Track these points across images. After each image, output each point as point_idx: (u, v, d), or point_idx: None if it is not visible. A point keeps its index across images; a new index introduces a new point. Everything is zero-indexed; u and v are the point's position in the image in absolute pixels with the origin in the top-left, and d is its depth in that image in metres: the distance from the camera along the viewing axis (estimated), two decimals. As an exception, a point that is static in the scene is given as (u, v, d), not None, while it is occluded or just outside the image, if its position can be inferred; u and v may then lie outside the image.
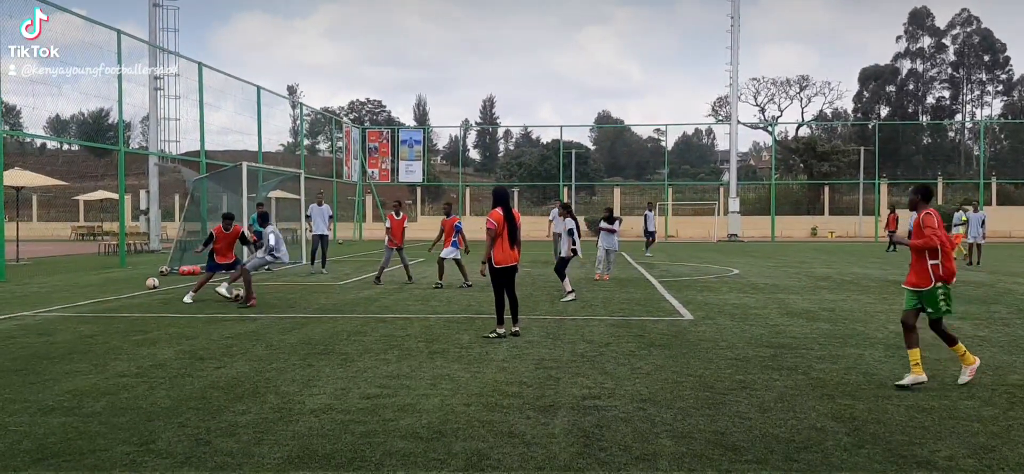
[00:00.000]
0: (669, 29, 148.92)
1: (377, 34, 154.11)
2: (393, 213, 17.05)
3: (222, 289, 13.26)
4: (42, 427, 5.64)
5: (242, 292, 13.06)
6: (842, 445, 5.16)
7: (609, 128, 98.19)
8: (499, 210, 9.48)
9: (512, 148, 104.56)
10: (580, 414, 5.92)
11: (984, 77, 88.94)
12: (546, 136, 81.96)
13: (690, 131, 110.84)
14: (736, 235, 45.16)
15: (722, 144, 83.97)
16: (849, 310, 12.16)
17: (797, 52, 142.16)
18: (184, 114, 32.08)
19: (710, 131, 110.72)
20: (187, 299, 13.23)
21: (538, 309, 12.22)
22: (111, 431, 5.51)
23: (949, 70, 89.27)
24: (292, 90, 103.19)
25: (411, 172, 50.73)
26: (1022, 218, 51.53)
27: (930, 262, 6.74)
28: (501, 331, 9.43)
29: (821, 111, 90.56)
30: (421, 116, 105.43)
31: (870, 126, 66.18)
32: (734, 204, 46.50)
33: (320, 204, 20.40)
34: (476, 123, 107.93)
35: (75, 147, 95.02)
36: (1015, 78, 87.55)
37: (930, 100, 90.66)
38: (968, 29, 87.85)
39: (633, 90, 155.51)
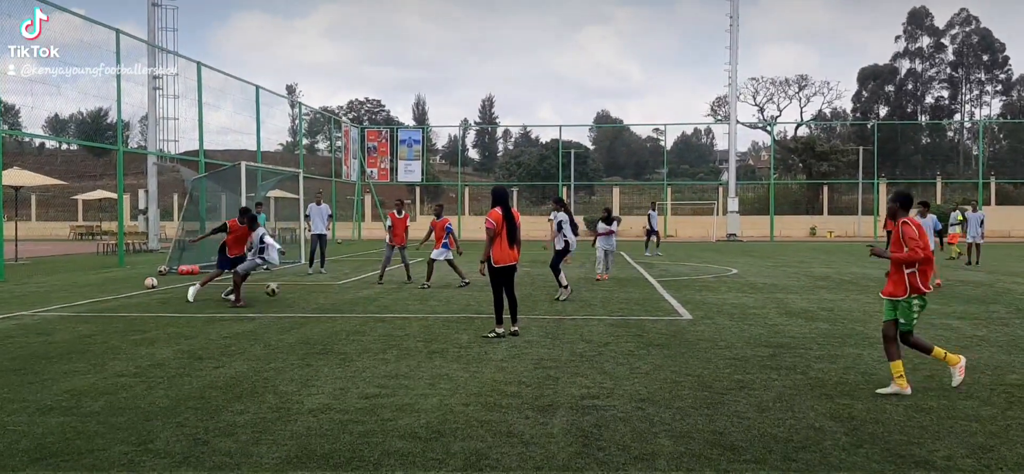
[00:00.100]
0: (669, 29, 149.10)
1: (376, 34, 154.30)
2: (395, 212, 17.06)
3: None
4: (40, 427, 5.63)
5: (276, 287, 13.82)
6: (840, 445, 5.16)
7: (608, 128, 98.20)
8: (498, 210, 9.48)
9: (511, 148, 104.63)
10: (579, 414, 5.92)
11: (983, 77, 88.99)
12: (545, 136, 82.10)
13: (689, 131, 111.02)
14: (735, 235, 45.17)
15: (721, 144, 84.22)
16: (848, 310, 12.16)
17: (796, 52, 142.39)
18: (183, 114, 32.11)
19: (709, 131, 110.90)
20: (190, 295, 13.22)
21: (537, 309, 12.22)
22: (109, 431, 5.51)
23: (948, 70, 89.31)
24: (291, 90, 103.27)
25: (410, 172, 50.71)
26: (1021, 218, 51.56)
27: (907, 271, 6.52)
28: (500, 331, 9.43)
29: (820, 111, 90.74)
30: (420, 116, 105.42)
31: (869, 126, 66.19)
32: (733, 204, 46.52)
33: (318, 204, 20.38)
34: (475, 123, 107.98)
35: (74, 147, 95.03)
36: (1014, 78, 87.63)
37: (929, 100, 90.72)
38: (967, 29, 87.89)
39: (633, 90, 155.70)
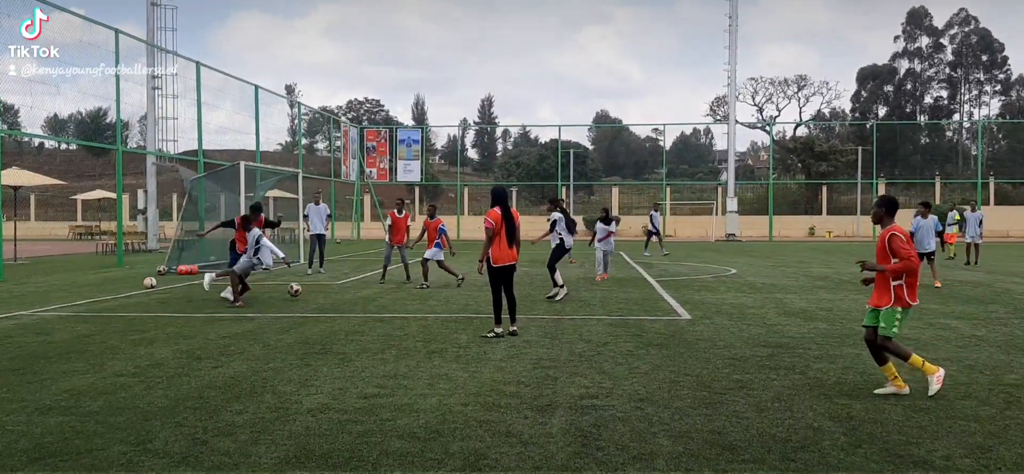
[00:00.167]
0: (669, 29, 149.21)
1: (376, 34, 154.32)
2: (395, 211, 17.06)
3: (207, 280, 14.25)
4: (39, 426, 5.63)
5: (299, 287, 14.17)
6: (839, 445, 5.16)
7: (607, 128, 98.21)
8: (498, 209, 9.50)
9: (510, 148, 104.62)
10: (578, 414, 5.93)
11: (982, 77, 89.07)
12: (544, 136, 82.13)
13: (688, 131, 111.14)
14: (734, 235, 45.19)
15: (720, 144, 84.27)
16: (846, 310, 12.17)
17: (796, 52, 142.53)
18: (182, 113, 32.08)
19: (708, 131, 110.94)
20: (206, 283, 14.07)
21: (536, 309, 12.22)
22: (108, 431, 5.51)
23: (947, 70, 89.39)
24: (290, 89, 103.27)
25: (409, 171, 50.70)
26: (1020, 218, 51.60)
27: (894, 283, 6.41)
28: (499, 330, 9.43)
29: (819, 111, 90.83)
30: (419, 115, 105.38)
31: (868, 126, 66.23)
32: (732, 204, 46.54)
33: (317, 203, 20.37)
34: (474, 123, 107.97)
35: (73, 146, 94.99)
36: (1013, 78, 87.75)
37: (928, 100, 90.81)
38: (966, 29, 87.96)
39: (632, 90, 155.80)
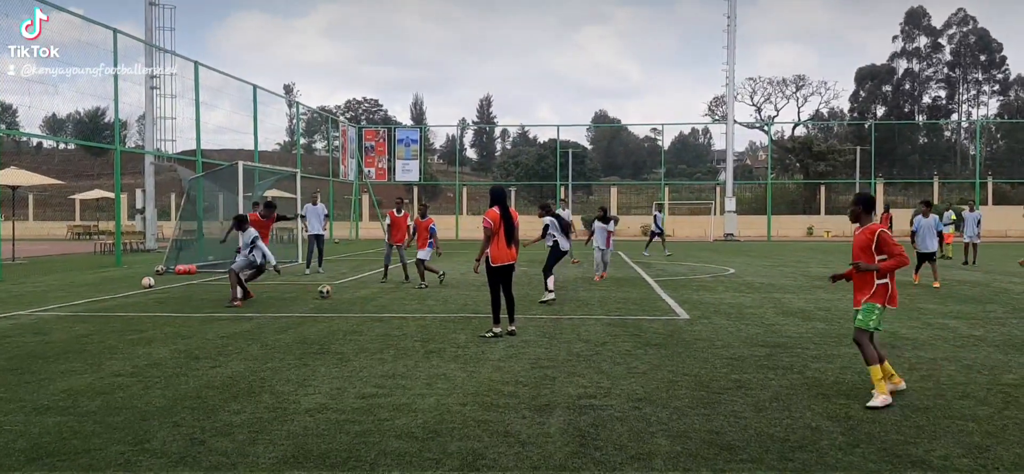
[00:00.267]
0: (668, 29, 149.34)
1: (375, 33, 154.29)
2: (394, 210, 17.05)
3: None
4: (37, 426, 5.62)
5: (329, 288, 14.22)
6: (837, 444, 5.16)
7: (606, 128, 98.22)
8: (496, 209, 9.51)
9: (509, 147, 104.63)
10: (576, 413, 5.93)
11: (980, 77, 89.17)
12: (543, 135, 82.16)
13: (687, 131, 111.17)
14: (732, 234, 45.21)
15: (718, 144, 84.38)
16: (845, 309, 12.16)
17: (795, 52, 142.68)
18: (180, 113, 32.09)
19: (706, 131, 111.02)
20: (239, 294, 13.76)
21: (534, 309, 12.21)
22: (106, 430, 5.50)
23: (945, 70, 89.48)
24: (289, 89, 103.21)
25: (408, 171, 50.68)
26: (1018, 217, 51.63)
27: (879, 281, 6.27)
28: (497, 330, 9.44)
29: (817, 111, 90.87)
30: (418, 115, 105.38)
31: (866, 126, 66.29)
32: (730, 203, 46.57)
33: (315, 203, 20.36)
34: (473, 122, 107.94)
35: (71, 146, 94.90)
36: (1011, 78, 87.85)
37: (926, 100, 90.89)
38: (964, 29, 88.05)
39: (631, 90, 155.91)
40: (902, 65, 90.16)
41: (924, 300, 13.48)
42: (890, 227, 29.98)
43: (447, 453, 4.98)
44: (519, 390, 6.66)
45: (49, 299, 13.94)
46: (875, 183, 50.89)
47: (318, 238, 20.13)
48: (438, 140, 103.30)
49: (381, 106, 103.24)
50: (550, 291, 13.24)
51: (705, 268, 21.75)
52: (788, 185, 68.36)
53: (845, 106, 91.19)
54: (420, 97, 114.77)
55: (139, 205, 38.01)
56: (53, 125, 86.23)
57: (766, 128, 69.37)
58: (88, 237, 45.58)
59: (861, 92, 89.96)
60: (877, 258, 6.29)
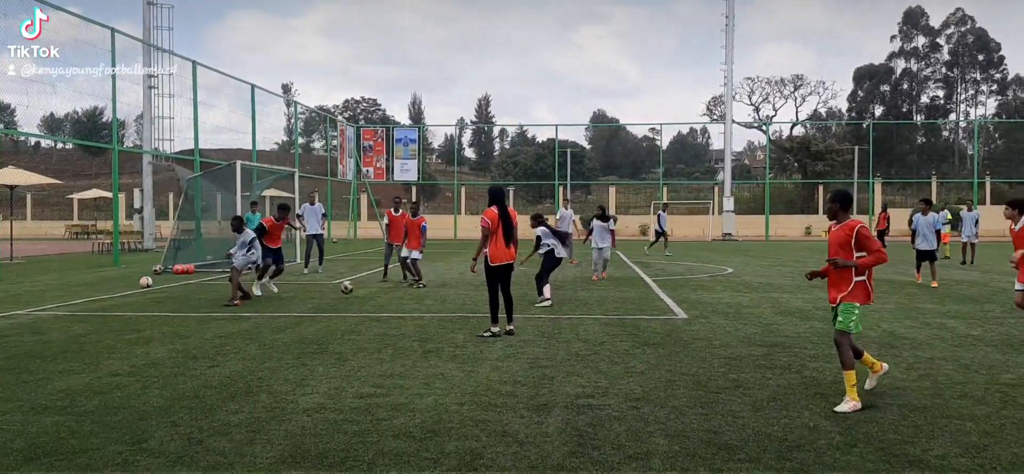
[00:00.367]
0: (666, 29, 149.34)
1: (373, 33, 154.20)
2: (392, 210, 17.02)
3: (256, 289, 14.04)
4: (35, 426, 5.62)
5: (349, 284, 14.45)
6: (835, 444, 5.17)
7: (604, 127, 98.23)
8: (494, 209, 9.52)
9: (508, 147, 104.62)
10: (574, 413, 5.93)
11: (978, 76, 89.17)
12: (542, 135, 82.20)
13: (685, 130, 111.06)
14: (730, 234, 45.23)
15: (717, 143, 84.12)
16: (843, 309, 12.17)
17: (793, 51, 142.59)
18: (178, 112, 32.05)
19: (705, 130, 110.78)
20: (257, 291, 13.94)
21: (533, 309, 12.21)
22: (104, 430, 5.50)
23: (943, 69, 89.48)
24: (287, 88, 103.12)
25: (406, 171, 50.65)
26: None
27: (857, 278, 6.20)
28: (496, 330, 9.44)
29: (815, 110, 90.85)
30: (416, 115, 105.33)
31: (864, 125, 66.35)
32: (728, 203, 46.58)
33: (312, 203, 20.32)
34: (472, 122, 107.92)
35: (69, 146, 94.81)
36: (1009, 77, 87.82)
37: (924, 99, 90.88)
38: (962, 28, 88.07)
39: (630, 89, 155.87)
40: (900, 65, 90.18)
41: (922, 299, 13.49)
42: (888, 227, 30.14)
43: (445, 453, 4.98)
44: (517, 390, 6.66)
45: (47, 299, 13.92)
46: (873, 183, 50.93)
47: (317, 238, 20.12)
48: (436, 140, 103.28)
49: (379, 105, 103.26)
50: (547, 299, 12.84)
51: (703, 268, 21.76)
52: (786, 185, 68.34)
53: (843, 106, 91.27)
54: (418, 96, 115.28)
55: (137, 205, 37.98)
56: (51, 124, 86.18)
57: (764, 128, 69.42)
58: (86, 237, 45.54)
59: (859, 92, 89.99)
60: (856, 254, 6.22)
